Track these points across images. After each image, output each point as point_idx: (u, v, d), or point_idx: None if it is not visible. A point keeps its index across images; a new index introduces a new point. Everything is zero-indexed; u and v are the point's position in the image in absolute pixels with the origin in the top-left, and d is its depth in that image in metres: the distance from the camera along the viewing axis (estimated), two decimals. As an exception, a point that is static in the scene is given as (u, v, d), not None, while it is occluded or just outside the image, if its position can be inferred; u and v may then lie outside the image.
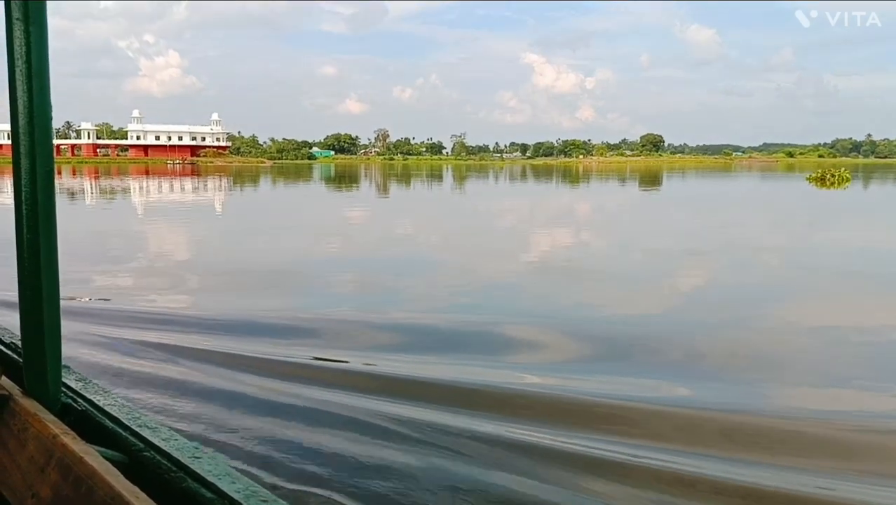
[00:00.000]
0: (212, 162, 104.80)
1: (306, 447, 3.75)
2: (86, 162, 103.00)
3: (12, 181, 1.04)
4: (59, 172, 61.98)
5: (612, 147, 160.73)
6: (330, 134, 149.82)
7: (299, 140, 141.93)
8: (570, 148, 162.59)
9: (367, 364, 5.36)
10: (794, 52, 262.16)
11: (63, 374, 1.19)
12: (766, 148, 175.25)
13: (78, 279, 8.96)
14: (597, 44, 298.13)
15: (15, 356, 1.19)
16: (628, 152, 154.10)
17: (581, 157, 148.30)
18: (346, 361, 5.42)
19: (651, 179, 55.05)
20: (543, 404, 4.58)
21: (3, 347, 1.36)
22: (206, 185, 42.59)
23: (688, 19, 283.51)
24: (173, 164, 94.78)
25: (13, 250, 1.07)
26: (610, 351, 6.03)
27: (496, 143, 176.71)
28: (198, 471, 0.92)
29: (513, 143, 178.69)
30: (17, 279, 1.07)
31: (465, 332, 6.61)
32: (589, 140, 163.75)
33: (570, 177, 62.45)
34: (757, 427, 4.30)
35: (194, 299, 8.30)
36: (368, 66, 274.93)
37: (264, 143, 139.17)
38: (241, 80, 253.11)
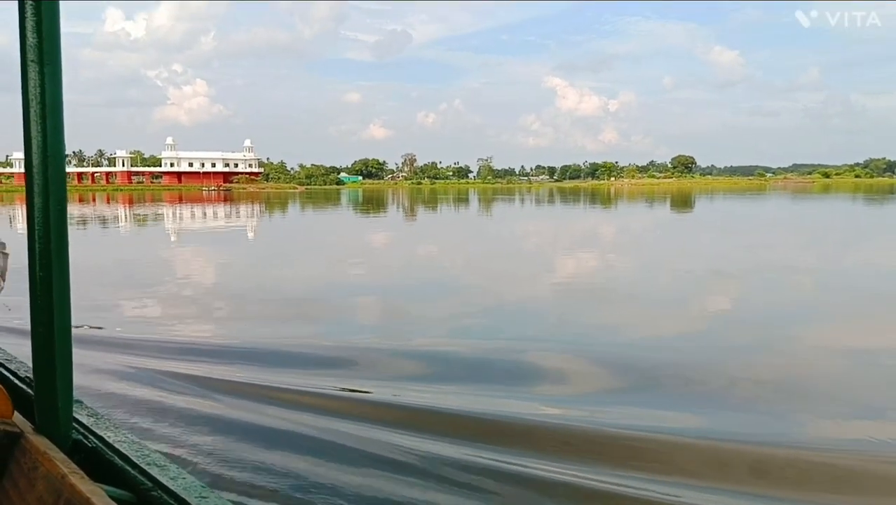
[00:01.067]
0: (244, 188, 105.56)
1: (324, 483, 3.66)
2: (121, 189, 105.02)
3: (26, 218, 1.06)
4: (94, 200, 62.72)
5: (640, 169, 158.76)
6: (357, 159, 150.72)
7: (327, 166, 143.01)
8: (598, 170, 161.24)
9: (388, 394, 5.31)
10: (821, 72, 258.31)
11: (75, 409, 1.19)
12: (796, 168, 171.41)
13: (102, 306, 9.01)
14: (619, 66, 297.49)
15: (29, 391, 1.20)
16: (658, 174, 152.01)
17: (612, 179, 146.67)
18: (368, 392, 5.35)
19: (691, 202, 53.51)
20: (568, 437, 4.48)
21: (18, 382, 1.37)
22: (242, 212, 43.05)
23: (710, 41, 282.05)
24: (208, 190, 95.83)
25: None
26: (638, 380, 5.88)
27: (521, 167, 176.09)
28: None
29: (538, 166, 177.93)
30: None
31: (490, 360, 6.52)
32: (616, 162, 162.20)
33: (604, 200, 61.20)
34: (788, 460, 4.16)
35: (218, 327, 8.27)
36: (392, 93, 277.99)
37: (292, 169, 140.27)
38: (268, 108, 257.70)
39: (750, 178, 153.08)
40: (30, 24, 0.99)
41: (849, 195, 62.90)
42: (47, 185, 1.02)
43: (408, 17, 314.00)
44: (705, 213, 38.63)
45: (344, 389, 5.40)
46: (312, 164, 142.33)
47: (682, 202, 52.75)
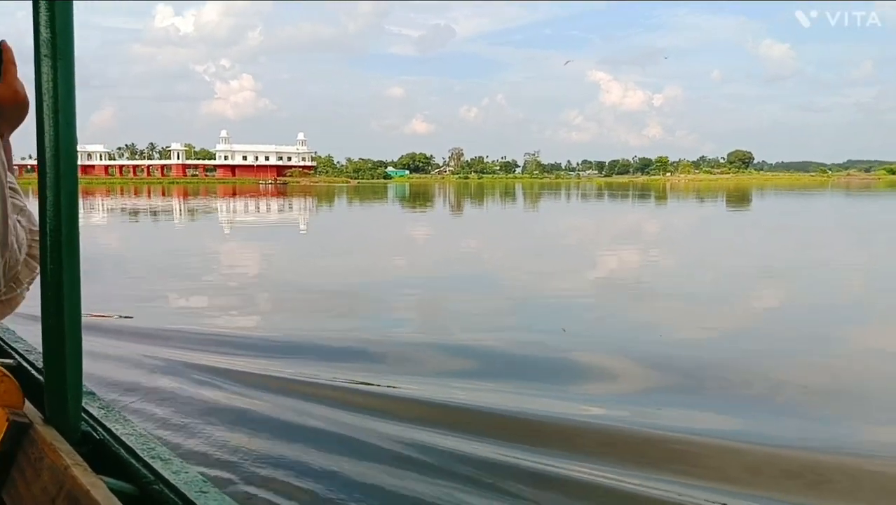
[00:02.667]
0: (297, 182, 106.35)
1: (347, 481, 3.59)
2: (176, 182, 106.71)
3: (38, 212, 1.08)
4: (163, 193, 63.55)
5: (691, 164, 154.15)
6: (404, 153, 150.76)
7: (374, 160, 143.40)
8: (648, 165, 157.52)
9: (421, 390, 5.23)
10: (874, 66, 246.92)
11: (87, 400, 1.21)
12: (851, 164, 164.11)
13: (141, 296, 9.29)
14: (665, 60, 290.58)
15: (42, 381, 1.22)
16: (713, 170, 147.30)
17: (668, 174, 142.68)
18: (398, 387, 5.26)
19: (759, 199, 51.11)
20: (608, 438, 4.36)
21: (33, 372, 1.40)
22: (305, 206, 43.18)
23: (760, 34, 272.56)
24: (265, 184, 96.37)
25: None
26: (683, 380, 5.70)
27: (568, 161, 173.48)
28: None
29: (585, 161, 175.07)
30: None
31: (531, 356, 6.40)
32: (666, 157, 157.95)
33: (664, 196, 59.17)
34: (839, 468, 3.99)
35: (264, 320, 8.32)
36: (435, 87, 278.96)
37: (339, 162, 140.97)
38: (312, 102, 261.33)
39: (811, 174, 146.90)
40: (43, 19, 1.00)
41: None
42: (59, 178, 1.03)
43: (452, 11, 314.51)
44: (781, 210, 36.73)
45: (371, 384, 5.31)
46: (360, 159, 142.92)
47: (749, 199, 50.44)
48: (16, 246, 1.10)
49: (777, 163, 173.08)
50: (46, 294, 1.07)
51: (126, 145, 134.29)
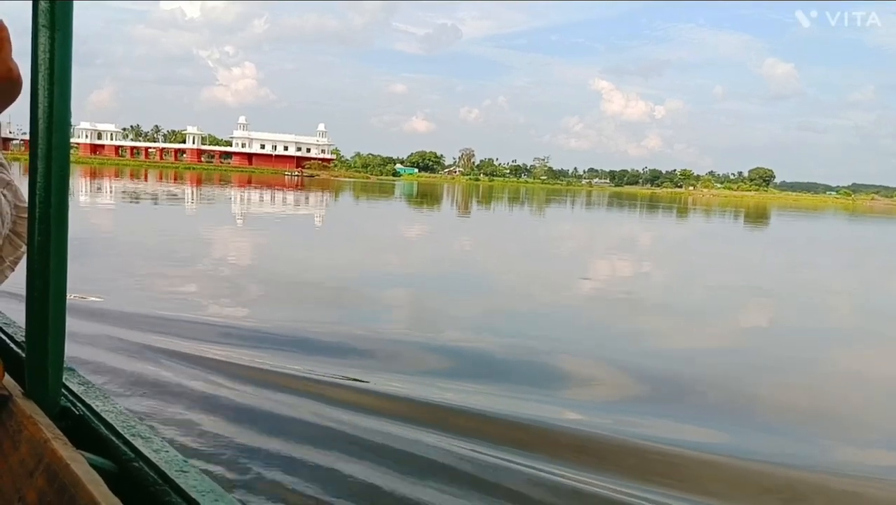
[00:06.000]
0: (317, 175, 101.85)
1: (327, 477, 3.58)
2: (192, 168, 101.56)
3: (28, 183, 1.07)
4: (175, 178, 60.14)
5: (694, 178, 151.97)
6: (413, 151, 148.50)
7: (384, 156, 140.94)
8: (658, 177, 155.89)
9: (406, 388, 5.19)
10: (875, 91, 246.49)
11: (66, 376, 1.20)
12: (857, 188, 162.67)
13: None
14: (670, 73, 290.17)
15: (22, 355, 1.21)
16: (733, 185, 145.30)
17: (691, 188, 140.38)
18: (381, 383, 5.23)
19: (811, 219, 49.30)
20: (588, 444, 4.39)
21: (13, 346, 1.38)
22: (342, 201, 41.55)
23: (764, 52, 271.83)
24: (291, 175, 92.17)
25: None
26: (667, 392, 5.71)
27: (574, 169, 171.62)
28: (182, 486, 0.92)
29: (591, 169, 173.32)
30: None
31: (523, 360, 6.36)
32: (690, 170, 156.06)
33: (691, 209, 57.10)
34: (816, 485, 4.05)
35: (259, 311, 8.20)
36: (437, 86, 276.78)
37: (344, 157, 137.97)
38: (313, 94, 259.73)
39: (834, 195, 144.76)
40: None
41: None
42: (50, 151, 1.02)
43: (459, 11, 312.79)
44: (843, 234, 35.69)
45: (353, 379, 5.29)
46: (370, 154, 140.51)
47: (790, 219, 48.43)
48: None
49: (781, 182, 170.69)
50: (33, 265, 1.06)
51: (131, 126, 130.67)
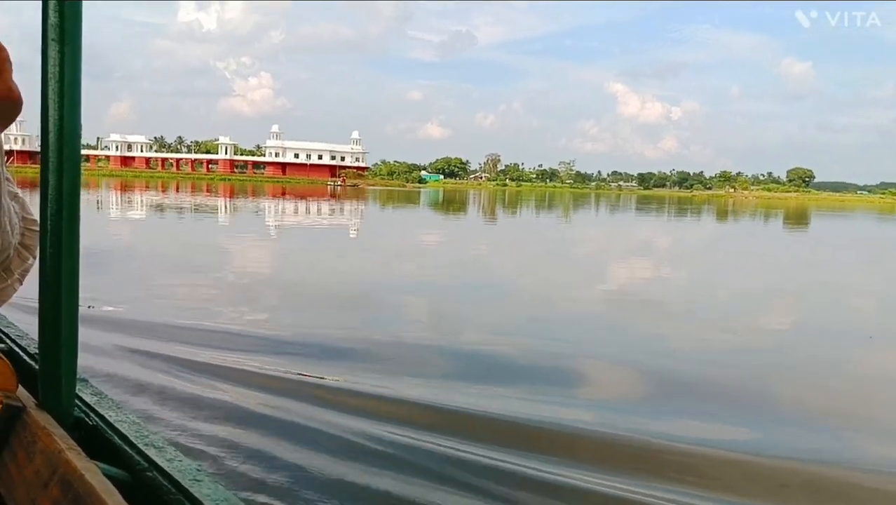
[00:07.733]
0: (355, 184, 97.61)
1: (337, 482, 3.54)
2: (227, 179, 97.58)
3: (39, 196, 1.08)
4: (231, 194, 54.07)
5: (724, 178, 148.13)
6: (439, 157, 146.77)
7: (409, 163, 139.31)
8: (686, 179, 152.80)
9: (421, 391, 5.18)
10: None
11: (80, 387, 1.21)
12: (884, 187, 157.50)
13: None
14: (686, 75, 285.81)
15: (36, 367, 1.22)
16: (772, 186, 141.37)
17: (731, 190, 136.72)
18: (393, 388, 5.21)
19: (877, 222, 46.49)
20: (611, 447, 4.36)
21: (26, 358, 1.41)
22: (420, 213, 39.53)
23: (780, 52, 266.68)
24: (335, 185, 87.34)
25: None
26: (689, 392, 5.72)
27: (598, 172, 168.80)
28: (196, 494, 0.92)
29: (615, 172, 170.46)
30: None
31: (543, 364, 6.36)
32: (729, 171, 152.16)
33: (740, 212, 54.65)
34: (844, 482, 4.03)
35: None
36: (452, 92, 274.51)
37: (373, 164, 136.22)
38: (328, 103, 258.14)
39: (880, 195, 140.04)
40: (52, 2, 0.99)
41: None
42: (62, 163, 1.03)
43: (474, 18, 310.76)
44: None
45: (367, 384, 5.24)
46: (395, 161, 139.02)
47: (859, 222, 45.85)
48: (8, 228, 1.06)
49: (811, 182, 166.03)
50: (45, 277, 1.09)
51: (155, 138, 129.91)
